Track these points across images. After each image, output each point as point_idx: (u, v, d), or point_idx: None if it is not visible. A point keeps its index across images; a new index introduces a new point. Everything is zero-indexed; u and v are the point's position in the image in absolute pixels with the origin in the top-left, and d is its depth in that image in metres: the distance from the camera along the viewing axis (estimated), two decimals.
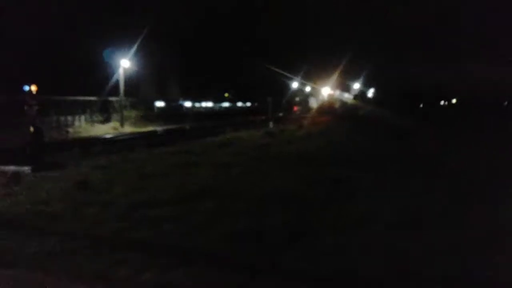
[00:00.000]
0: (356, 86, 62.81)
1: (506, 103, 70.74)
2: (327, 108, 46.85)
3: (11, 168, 9.47)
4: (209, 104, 55.15)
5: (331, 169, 8.95)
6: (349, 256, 4.24)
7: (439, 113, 46.54)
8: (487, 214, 5.56)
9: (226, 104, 61.22)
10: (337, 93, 58.07)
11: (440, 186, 7.27)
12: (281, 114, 40.89)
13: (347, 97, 61.99)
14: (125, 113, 29.33)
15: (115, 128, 26.78)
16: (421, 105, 71.29)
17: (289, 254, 4.33)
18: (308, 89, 55.79)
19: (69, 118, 25.62)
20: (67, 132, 23.65)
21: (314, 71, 49.07)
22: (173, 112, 38.91)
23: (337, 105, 53.31)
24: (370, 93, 75.25)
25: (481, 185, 7.29)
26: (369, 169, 8.92)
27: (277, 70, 40.13)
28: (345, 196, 6.63)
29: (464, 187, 7.08)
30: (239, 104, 66.22)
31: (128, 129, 26.88)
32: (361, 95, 65.45)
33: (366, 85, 67.81)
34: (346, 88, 63.06)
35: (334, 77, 48.98)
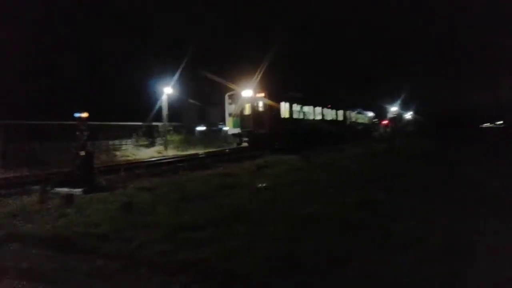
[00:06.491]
0: (394, 108, 64.77)
1: None
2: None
3: (65, 190, 10.13)
4: None
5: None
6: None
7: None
8: None
9: None
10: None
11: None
12: None
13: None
14: (168, 137, 30.48)
15: (159, 152, 27.83)
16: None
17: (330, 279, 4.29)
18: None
19: (117, 142, 27.05)
20: (115, 155, 24.87)
21: None
22: (213, 136, 39.78)
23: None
24: (409, 115, 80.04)
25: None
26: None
27: None
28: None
29: None
30: None
31: (171, 152, 27.81)
32: (399, 117, 67.66)
33: (404, 108, 71.52)
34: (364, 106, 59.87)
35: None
